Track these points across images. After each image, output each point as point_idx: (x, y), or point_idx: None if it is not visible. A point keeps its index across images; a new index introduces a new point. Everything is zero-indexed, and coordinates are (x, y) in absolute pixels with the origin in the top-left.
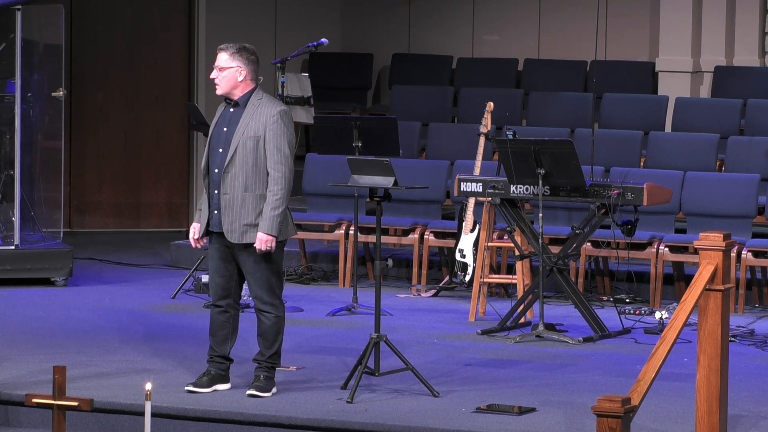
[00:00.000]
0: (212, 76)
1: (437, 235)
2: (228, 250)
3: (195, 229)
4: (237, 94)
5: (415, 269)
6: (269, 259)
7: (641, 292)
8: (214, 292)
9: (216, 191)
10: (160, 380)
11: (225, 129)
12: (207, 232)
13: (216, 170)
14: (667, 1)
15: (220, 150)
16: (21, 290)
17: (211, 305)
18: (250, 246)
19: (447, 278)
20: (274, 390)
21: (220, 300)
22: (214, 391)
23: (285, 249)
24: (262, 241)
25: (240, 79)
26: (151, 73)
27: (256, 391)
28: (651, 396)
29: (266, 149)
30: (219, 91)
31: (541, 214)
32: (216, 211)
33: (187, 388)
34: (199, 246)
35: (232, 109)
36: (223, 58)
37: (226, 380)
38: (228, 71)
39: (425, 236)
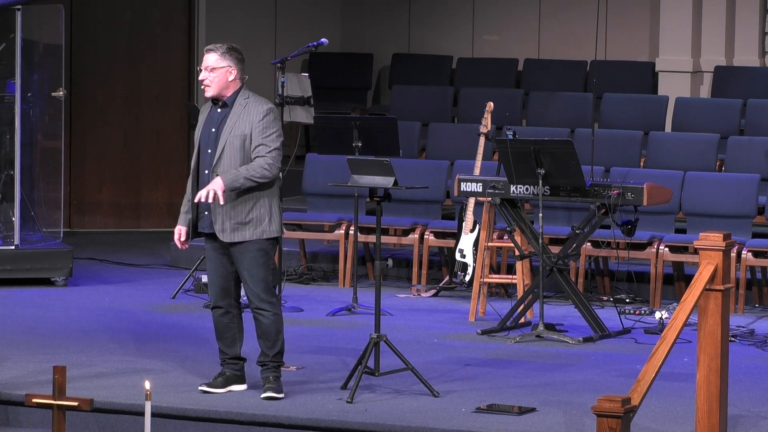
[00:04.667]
0: (202, 77)
1: (437, 235)
2: (223, 250)
3: (181, 232)
4: (226, 94)
5: (415, 269)
6: (265, 255)
7: (641, 292)
8: (214, 293)
9: None
10: (160, 380)
11: (213, 130)
12: (197, 234)
13: (206, 171)
14: (667, 1)
15: (209, 151)
16: (21, 290)
17: (212, 307)
18: (243, 243)
19: (447, 278)
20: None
21: (220, 301)
22: (229, 391)
23: (285, 249)
24: (214, 183)
25: (231, 78)
26: (151, 73)
27: (272, 392)
28: (651, 396)
29: (253, 145)
30: (210, 93)
31: (541, 214)
32: (206, 212)
33: (200, 388)
34: (185, 247)
35: (219, 110)
36: (213, 59)
37: (242, 381)
38: (219, 71)
39: (425, 236)
